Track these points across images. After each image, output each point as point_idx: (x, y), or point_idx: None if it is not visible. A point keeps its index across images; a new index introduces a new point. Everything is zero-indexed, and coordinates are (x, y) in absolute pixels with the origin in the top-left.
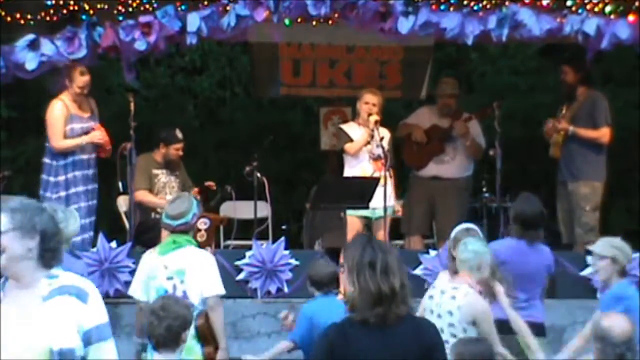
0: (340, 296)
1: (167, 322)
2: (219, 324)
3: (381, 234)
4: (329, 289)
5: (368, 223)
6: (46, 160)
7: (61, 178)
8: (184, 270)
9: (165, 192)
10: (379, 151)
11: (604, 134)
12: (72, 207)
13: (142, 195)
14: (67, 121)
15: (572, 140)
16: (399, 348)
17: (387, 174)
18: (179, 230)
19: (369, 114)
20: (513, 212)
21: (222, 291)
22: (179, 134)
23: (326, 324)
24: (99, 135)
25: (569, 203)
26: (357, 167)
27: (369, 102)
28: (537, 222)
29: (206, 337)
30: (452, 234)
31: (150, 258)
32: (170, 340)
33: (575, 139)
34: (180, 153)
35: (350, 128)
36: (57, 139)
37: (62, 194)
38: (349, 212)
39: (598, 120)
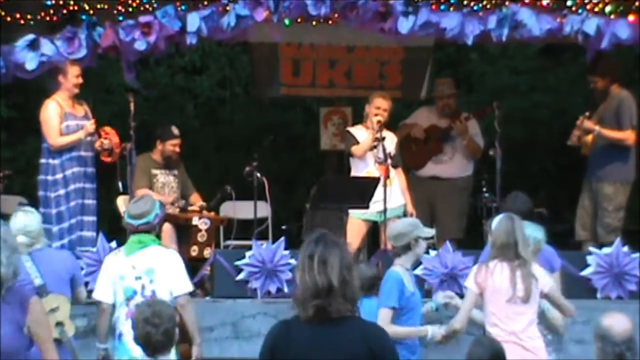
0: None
1: (164, 327)
2: (192, 322)
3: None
4: (370, 292)
5: (373, 226)
6: (42, 160)
7: (59, 176)
8: (152, 270)
9: (164, 192)
10: (382, 155)
11: (627, 136)
12: (72, 204)
13: (143, 193)
14: (62, 119)
15: (599, 140)
16: (343, 349)
17: (395, 172)
18: (141, 230)
19: (375, 115)
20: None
21: (191, 288)
22: (175, 130)
23: None
24: (90, 125)
25: (591, 201)
26: (364, 171)
27: (381, 107)
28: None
29: (181, 335)
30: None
31: (117, 259)
32: (167, 343)
33: (602, 139)
34: (177, 149)
35: (358, 131)
36: (54, 137)
37: (62, 191)
38: (354, 214)
39: (622, 122)
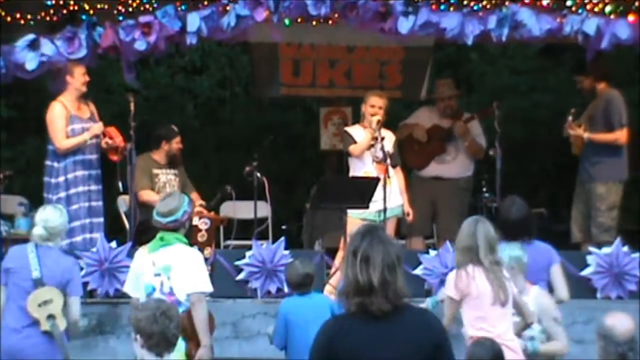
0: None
1: (177, 321)
2: (200, 321)
3: None
4: (306, 290)
5: None
6: (47, 162)
7: (61, 179)
8: (170, 267)
9: (165, 191)
10: (382, 154)
11: (618, 136)
12: (73, 207)
13: (147, 195)
14: (67, 122)
15: (590, 142)
16: (404, 339)
17: (393, 172)
18: (169, 227)
19: (373, 115)
20: (499, 218)
21: (208, 289)
22: (175, 128)
23: (302, 320)
24: (97, 127)
25: (584, 202)
26: (361, 170)
27: (375, 105)
28: (518, 229)
29: (187, 332)
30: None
31: (141, 255)
32: (177, 339)
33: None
34: (181, 146)
35: (355, 130)
36: (60, 139)
37: (62, 194)
38: (353, 214)
39: (612, 122)
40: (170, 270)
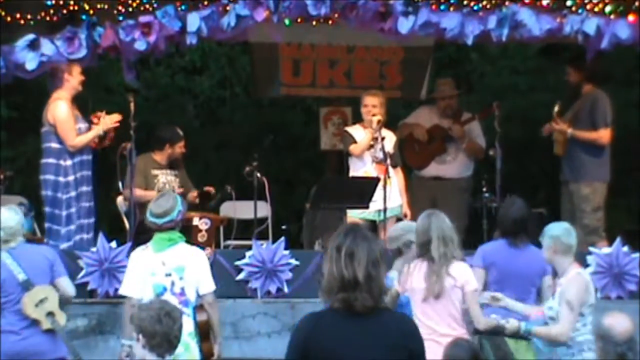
0: None
1: (180, 322)
2: (217, 320)
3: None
4: None
5: (371, 226)
6: (50, 160)
7: (71, 178)
8: (183, 267)
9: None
10: (382, 154)
11: (602, 135)
12: (81, 205)
13: (136, 192)
14: (75, 120)
15: (573, 141)
16: (377, 339)
17: (393, 172)
18: (165, 227)
19: (373, 115)
20: (498, 217)
21: (214, 287)
22: (180, 132)
23: None
24: (110, 119)
25: (571, 203)
26: (361, 170)
27: (369, 104)
28: (516, 228)
29: (207, 333)
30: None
31: (145, 255)
32: (179, 340)
33: (576, 139)
34: (184, 150)
35: (355, 131)
36: (72, 138)
37: (73, 193)
38: (352, 214)
39: (597, 121)
40: (184, 271)
